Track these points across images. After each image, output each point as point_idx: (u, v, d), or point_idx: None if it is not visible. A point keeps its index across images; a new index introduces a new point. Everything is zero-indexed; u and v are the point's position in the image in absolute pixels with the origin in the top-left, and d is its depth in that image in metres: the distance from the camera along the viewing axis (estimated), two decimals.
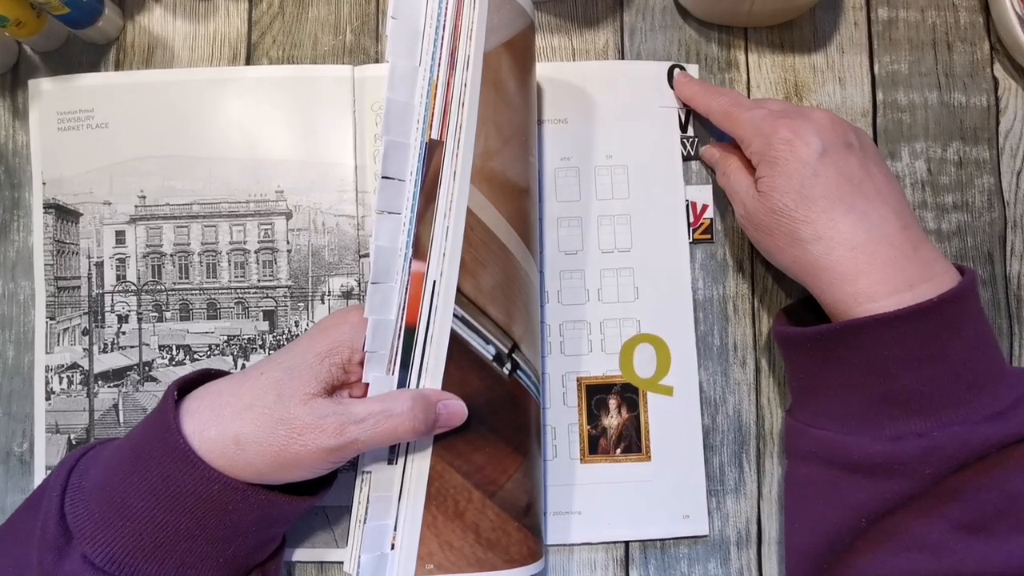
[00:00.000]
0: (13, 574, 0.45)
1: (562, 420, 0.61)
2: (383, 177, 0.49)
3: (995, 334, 0.51)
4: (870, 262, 0.50)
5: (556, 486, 0.60)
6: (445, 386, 0.49)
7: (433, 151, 0.50)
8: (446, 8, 0.50)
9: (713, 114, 0.60)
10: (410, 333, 0.49)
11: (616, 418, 0.61)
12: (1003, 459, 0.46)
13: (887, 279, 0.49)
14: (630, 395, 0.61)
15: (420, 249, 0.49)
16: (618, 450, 0.60)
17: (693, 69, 0.64)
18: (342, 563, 0.57)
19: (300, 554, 0.59)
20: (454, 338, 0.49)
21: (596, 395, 0.61)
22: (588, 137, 0.63)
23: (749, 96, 0.65)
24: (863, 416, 0.50)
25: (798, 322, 0.56)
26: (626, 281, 0.62)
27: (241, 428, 0.45)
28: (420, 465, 0.49)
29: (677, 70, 0.64)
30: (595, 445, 0.61)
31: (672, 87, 0.64)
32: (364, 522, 0.49)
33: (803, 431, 0.54)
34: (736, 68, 0.65)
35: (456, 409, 0.49)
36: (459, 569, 0.49)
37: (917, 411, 0.48)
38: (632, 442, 0.61)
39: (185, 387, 0.48)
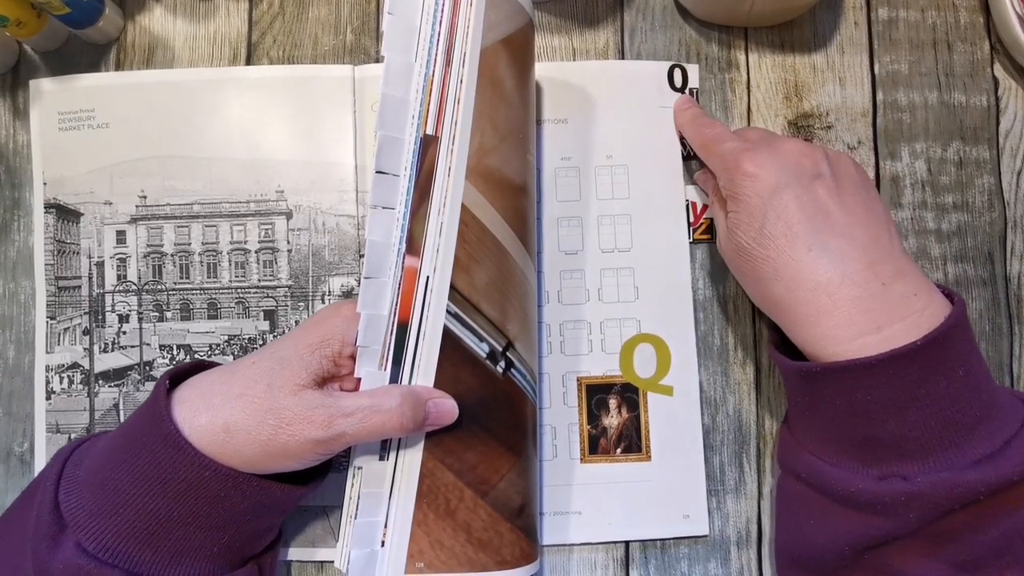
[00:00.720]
0: (9, 564, 0.45)
1: (562, 420, 0.61)
2: (377, 172, 0.49)
3: (986, 366, 0.49)
4: (832, 303, 0.48)
5: (556, 486, 0.60)
6: (437, 383, 0.49)
7: (428, 147, 0.50)
8: (443, 4, 0.50)
9: (695, 146, 0.59)
10: (403, 329, 0.49)
11: (616, 418, 0.61)
12: (997, 501, 0.44)
13: (851, 321, 0.47)
14: (630, 395, 0.61)
15: (414, 245, 0.49)
16: (618, 450, 0.60)
17: (693, 69, 0.64)
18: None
19: (299, 553, 0.59)
20: (447, 335, 0.49)
21: (596, 395, 0.61)
22: (588, 137, 0.63)
23: (749, 98, 0.65)
24: (850, 453, 0.48)
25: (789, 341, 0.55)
26: (626, 281, 0.62)
27: (230, 416, 0.45)
28: (411, 462, 0.49)
29: (677, 71, 0.64)
30: (595, 445, 0.60)
31: (672, 87, 0.64)
32: (355, 518, 0.49)
33: (796, 450, 0.53)
34: (736, 68, 0.65)
35: (447, 408, 0.49)
36: (450, 568, 0.48)
37: (902, 455, 0.46)
38: (632, 442, 0.60)
39: (178, 377, 0.48)
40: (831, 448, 0.50)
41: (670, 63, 0.64)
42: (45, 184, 0.62)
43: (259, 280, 0.62)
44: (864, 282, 0.47)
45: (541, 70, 0.63)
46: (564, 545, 0.60)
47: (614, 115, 0.64)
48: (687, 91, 0.64)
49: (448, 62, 0.50)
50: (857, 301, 0.47)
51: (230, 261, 0.62)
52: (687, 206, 0.63)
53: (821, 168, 0.51)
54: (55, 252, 0.62)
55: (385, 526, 0.49)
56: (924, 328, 0.46)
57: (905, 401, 0.45)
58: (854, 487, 0.47)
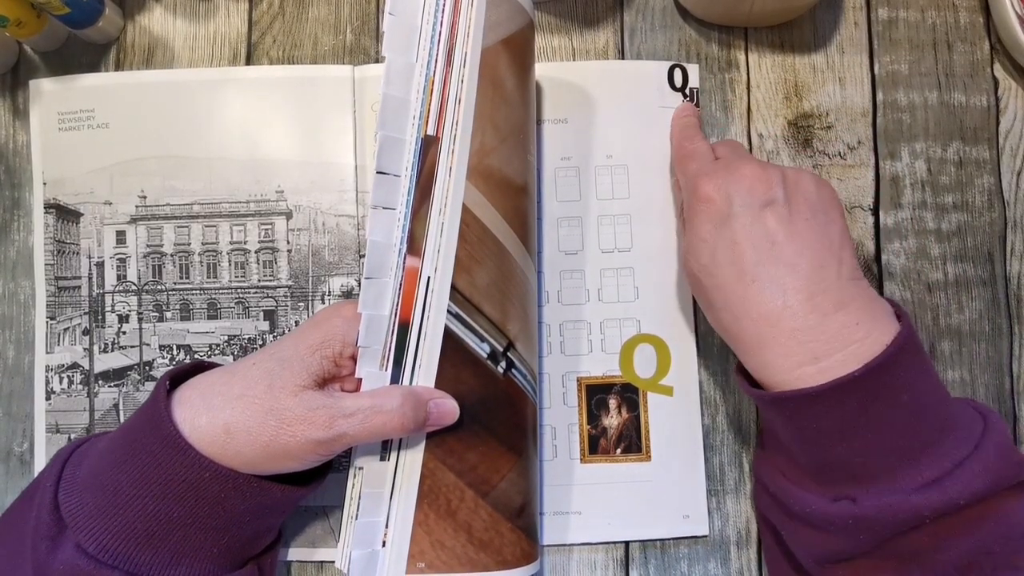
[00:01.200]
0: (9, 565, 0.45)
1: (562, 420, 0.61)
2: (378, 172, 0.49)
3: (939, 386, 0.48)
4: (772, 334, 0.48)
5: (556, 486, 0.60)
6: (438, 383, 0.49)
7: (428, 147, 0.50)
8: (443, 4, 0.50)
9: (674, 160, 0.59)
10: (404, 329, 0.49)
11: (616, 418, 0.61)
12: (954, 523, 0.44)
13: (789, 352, 0.47)
14: (630, 395, 0.61)
15: (415, 245, 0.49)
16: (618, 450, 0.60)
17: (693, 69, 0.64)
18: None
19: (300, 553, 0.59)
20: (448, 335, 0.49)
21: (596, 395, 0.61)
22: (588, 137, 0.63)
23: (749, 98, 0.65)
24: (807, 475, 0.49)
25: None
26: (626, 281, 0.62)
27: (231, 417, 0.45)
28: (412, 462, 0.49)
29: (678, 71, 0.64)
30: (595, 445, 0.60)
31: (672, 87, 0.64)
32: (356, 518, 0.48)
33: (767, 465, 0.54)
34: (736, 68, 0.65)
35: (447, 408, 0.49)
36: (450, 569, 0.48)
37: (851, 479, 0.46)
38: (632, 442, 0.60)
39: (178, 378, 0.48)
40: (793, 467, 0.50)
41: (670, 63, 0.64)
42: (45, 184, 0.62)
43: (259, 280, 0.62)
44: (804, 314, 0.47)
45: (541, 70, 0.63)
46: (564, 545, 0.60)
47: (614, 115, 0.64)
48: (687, 91, 0.64)
49: (449, 62, 0.50)
50: (795, 333, 0.47)
51: (230, 261, 0.62)
52: None
53: (775, 194, 0.50)
54: (55, 252, 0.62)
55: (386, 526, 0.49)
56: (864, 357, 0.45)
57: (849, 429, 0.46)
58: (809, 507, 0.48)
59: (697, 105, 0.64)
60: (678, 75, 0.64)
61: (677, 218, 0.61)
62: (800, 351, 0.47)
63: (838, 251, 0.50)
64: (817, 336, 0.47)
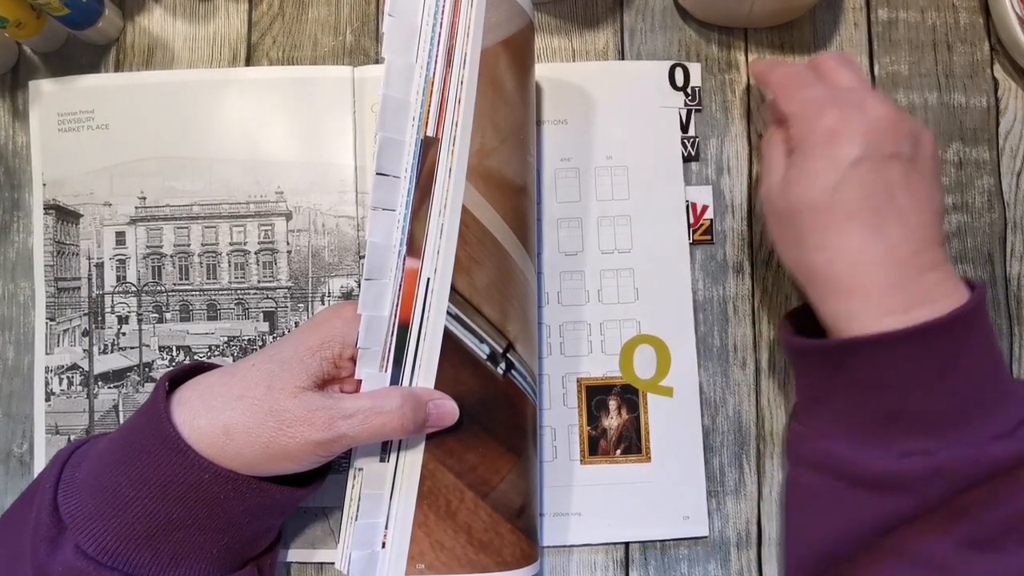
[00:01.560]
0: (8, 566, 0.45)
1: (562, 421, 0.61)
2: (378, 173, 0.49)
3: (1002, 353, 0.50)
4: (869, 282, 0.48)
5: (556, 487, 0.60)
6: (438, 384, 0.49)
7: (428, 148, 0.49)
8: (443, 6, 0.50)
9: (771, 86, 0.56)
10: (403, 330, 0.49)
11: (616, 419, 0.61)
12: (1012, 478, 0.45)
13: (881, 301, 0.47)
14: (630, 396, 0.61)
15: (414, 246, 0.49)
16: (618, 451, 0.60)
17: (695, 68, 0.64)
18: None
19: (299, 555, 0.59)
20: (447, 336, 0.49)
21: (596, 396, 0.61)
22: (588, 138, 0.63)
23: (749, 99, 0.64)
24: (870, 431, 0.49)
25: (803, 327, 0.55)
26: (626, 282, 0.62)
27: (231, 418, 0.45)
28: (412, 463, 0.49)
29: (679, 70, 0.64)
30: (595, 446, 0.60)
31: (673, 87, 0.64)
32: (355, 519, 0.48)
33: (809, 438, 0.53)
34: (736, 69, 0.65)
35: (447, 409, 0.49)
36: (450, 570, 0.48)
37: (924, 431, 0.47)
38: (632, 443, 0.60)
39: (177, 379, 0.48)
40: (849, 430, 0.50)
41: (671, 62, 0.64)
42: (44, 185, 0.62)
43: (259, 281, 0.62)
44: (906, 267, 0.48)
45: (541, 71, 0.63)
46: (564, 546, 0.60)
47: (614, 116, 0.64)
48: (689, 90, 0.64)
49: (449, 63, 0.50)
50: (893, 285, 0.47)
51: (230, 262, 0.62)
52: (687, 207, 0.63)
53: (903, 146, 0.49)
54: (54, 253, 0.62)
55: (386, 527, 0.49)
56: (949, 309, 0.46)
57: (931, 375, 0.46)
58: (875, 467, 0.48)
59: (699, 105, 0.64)
60: (679, 74, 0.64)
61: (774, 140, 0.55)
62: (892, 301, 0.47)
63: (940, 212, 0.51)
64: (912, 289, 0.47)
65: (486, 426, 0.50)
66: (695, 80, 0.64)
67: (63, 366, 0.61)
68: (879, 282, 0.48)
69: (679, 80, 0.64)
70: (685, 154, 0.63)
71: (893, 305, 0.47)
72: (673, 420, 0.61)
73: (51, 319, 0.62)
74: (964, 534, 0.46)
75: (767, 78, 0.57)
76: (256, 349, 0.61)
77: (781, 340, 0.57)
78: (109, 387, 0.61)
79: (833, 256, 0.49)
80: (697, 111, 0.64)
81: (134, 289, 0.62)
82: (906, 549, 0.47)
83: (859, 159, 0.48)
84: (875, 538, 0.48)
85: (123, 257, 0.62)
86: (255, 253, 0.62)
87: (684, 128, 0.64)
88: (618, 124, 0.64)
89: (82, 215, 0.62)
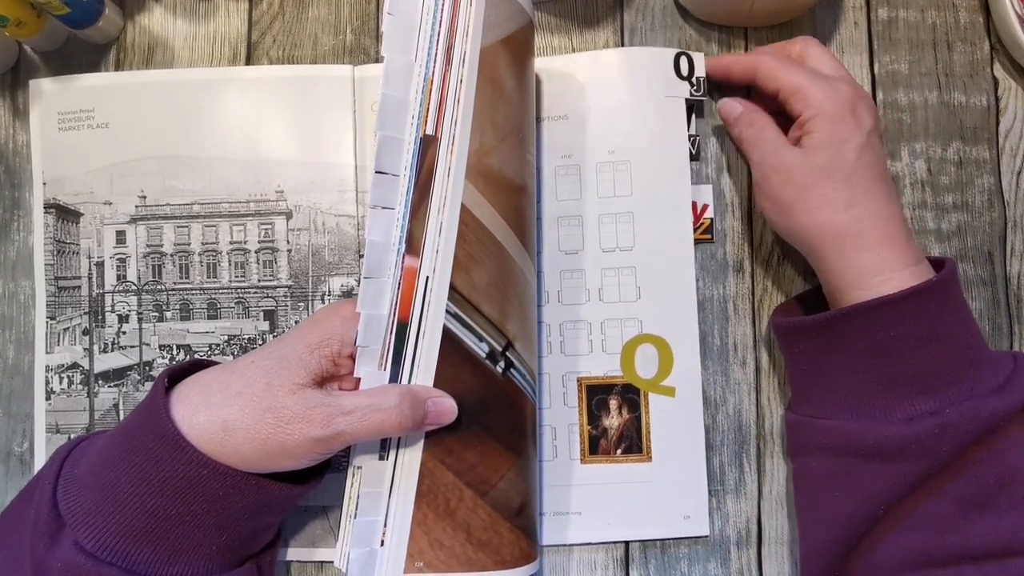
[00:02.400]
0: (8, 563, 0.45)
1: (562, 420, 0.61)
2: (377, 172, 0.49)
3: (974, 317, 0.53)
4: (894, 235, 0.52)
5: (556, 486, 0.60)
6: (437, 383, 0.49)
7: (427, 147, 0.50)
8: (443, 4, 0.50)
9: (762, 68, 0.58)
10: (402, 329, 0.49)
11: (617, 419, 0.61)
12: (1000, 433, 0.48)
13: (904, 253, 0.51)
14: (631, 396, 0.61)
15: (413, 245, 0.49)
16: (619, 451, 0.60)
17: (700, 57, 0.63)
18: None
19: (299, 553, 0.59)
20: (447, 335, 0.49)
21: (597, 395, 0.61)
22: (589, 132, 0.63)
23: (748, 96, 0.64)
24: (873, 400, 0.50)
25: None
26: (628, 280, 0.62)
27: (229, 415, 0.45)
28: (411, 461, 0.49)
29: (684, 59, 0.63)
30: (595, 445, 0.60)
31: (679, 76, 0.63)
32: (354, 517, 0.48)
33: (809, 424, 0.54)
34: None
35: (445, 407, 0.49)
36: (449, 568, 0.48)
37: (926, 390, 0.49)
38: (633, 443, 0.60)
39: (176, 375, 0.48)
40: (850, 404, 0.52)
41: (676, 50, 0.63)
42: (45, 184, 0.62)
43: (259, 280, 0.62)
44: (906, 227, 0.53)
45: (540, 64, 0.63)
46: (564, 545, 0.60)
47: (616, 108, 0.63)
48: (694, 79, 0.63)
49: (448, 62, 0.50)
50: (907, 239, 0.52)
51: (230, 261, 0.62)
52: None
53: (877, 121, 0.56)
54: (55, 252, 0.62)
55: (385, 525, 0.49)
56: (932, 270, 0.52)
57: (925, 335, 0.49)
58: (884, 434, 0.49)
59: (705, 94, 0.63)
60: (684, 63, 0.63)
61: (756, 133, 0.58)
62: (908, 255, 0.52)
63: None
64: (914, 246, 0.53)
65: (485, 425, 0.50)
66: (700, 70, 0.63)
67: (63, 365, 0.61)
68: (900, 236, 0.52)
69: (684, 70, 0.63)
70: (693, 151, 0.63)
71: (909, 258, 0.51)
72: (675, 420, 0.61)
73: (51, 318, 0.62)
74: (960, 492, 0.47)
75: (756, 66, 0.58)
76: (256, 348, 0.61)
77: (774, 327, 0.58)
78: (109, 386, 0.61)
79: (861, 214, 0.52)
80: (700, 103, 0.64)
81: (134, 288, 0.62)
82: (910, 512, 0.48)
83: (872, 127, 0.54)
84: (888, 510, 0.49)
85: (123, 256, 0.62)
86: (255, 252, 0.62)
87: (686, 123, 0.63)
88: (621, 116, 0.63)
89: (82, 214, 0.62)
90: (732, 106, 0.61)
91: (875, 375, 0.50)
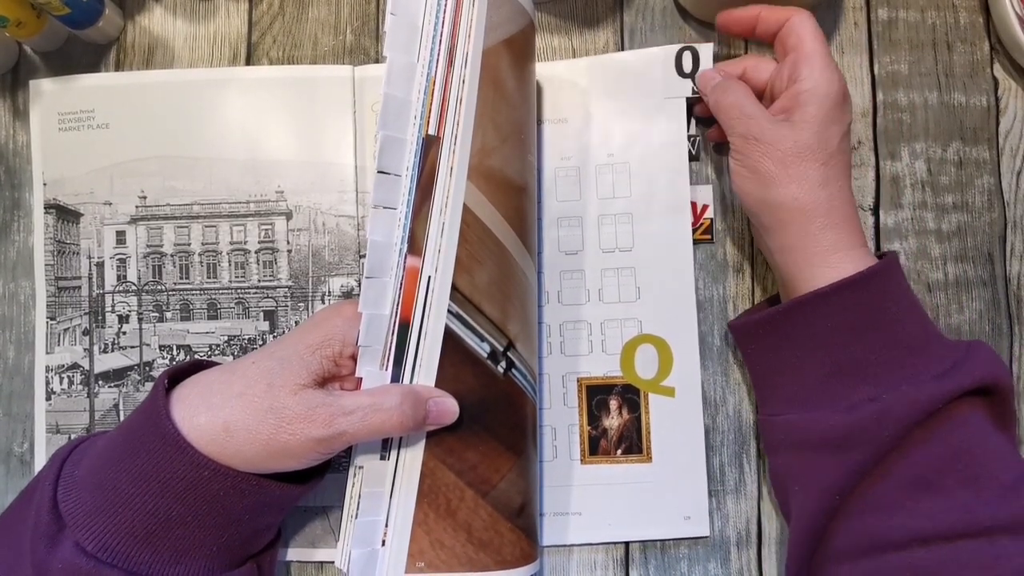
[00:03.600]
0: (8, 564, 0.45)
1: (562, 421, 0.61)
2: (379, 172, 0.49)
3: (924, 310, 0.53)
4: (851, 216, 0.53)
5: (556, 487, 0.60)
6: (439, 383, 0.49)
7: (429, 147, 0.50)
8: (445, 5, 0.50)
9: (794, 20, 0.56)
10: (404, 329, 0.49)
11: (617, 419, 0.61)
12: (944, 415, 0.48)
13: (858, 235, 0.53)
14: (631, 396, 0.61)
15: (415, 245, 0.49)
16: (619, 451, 0.60)
17: (706, 49, 0.62)
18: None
19: (299, 553, 0.59)
20: (448, 335, 0.49)
21: (597, 396, 0.61)
22: (589, 134, 0.63)
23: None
24: (819, 392, 0.52)
25: None
26: (627, 281, 0.62)
27: (231, 415, 0.45)
28: (412, 461, 0.49)
29: (687, 53, 0.62)
30: (595, 446, 0.60)
31: (681, 74, 0.62)
32: (355, 517, 0.48)
33: (770, 422, 0.56)
34: None
35: (447, 407, 0.49)
36: (450, 568, 0.48)
37: (866, 378, 0.50)
38: (633, 443, 0.60)
39: (176, 376, 0.48)
40: (800, 399, 0.53)
41: (679, 46, 0.62)
42: (45, 184, 0.62)
43: (259, 280, 0.62)
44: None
45: (541, 70, 0.63)
46: (564, 546, 0.60)
47: (616, 111, 0.63)
48: (697, 75, 0.62)
49: (450, 62, 0.50)
50: (860, 222, 0.55)
51: (230, 261, 0.62)
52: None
53: None
54: (55, 252, 0.62)
55: (386, 526, 0.49)
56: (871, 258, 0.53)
57: (863, 324, 0.51)
58: (830, 423, 0.50)
59: None
60: (687, 59, 0.62)
61: (734, 100, 0.56)
62: (861, 236, 0.54)
63: None
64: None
65: (486, 425, 0.50)
66: (706, 63, 0.62)
67: (64, 365, 0.61)
68: (856, 220, 0.54)
69: (687, 66, 0.62)
70: (692, 152, 0.63)
71: (860, 240, 0.53)
72: (675, 420, 0.61)
73: (52, 318, 0.62)
74: (905, 474, 0.48)
75: (787, 17, 0.57)
76: (256, 348, 0.61)
77: (730, 328, 0.60)
78: (109, 386, 0.61)
79: (832, 193, 0.53)
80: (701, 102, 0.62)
81: (134, 288, 0.62)
82: (861, 497, 0.49)
83: (850, 123, 0.55)
84: (844, 500, 0.50)
85: (123, 256, 0.62)
86: (255, 252, 0.62)
87: (686, 124, 0.63)
88: (621, 118, 0.63)
89: (82, 214, 0.62)
90: (711, 75, 0.60)
91: (819, 366, 0.52)
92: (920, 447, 0.48)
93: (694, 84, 0.62)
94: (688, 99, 0.63)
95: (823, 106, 0.53)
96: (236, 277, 0.62)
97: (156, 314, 0.62)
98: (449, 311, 0.49)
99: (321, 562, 0.59)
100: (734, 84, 0.57)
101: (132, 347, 0.62)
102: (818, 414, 0.51)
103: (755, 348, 0.57)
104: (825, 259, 0.52)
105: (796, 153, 0.52)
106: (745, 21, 0.59)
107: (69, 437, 0.60)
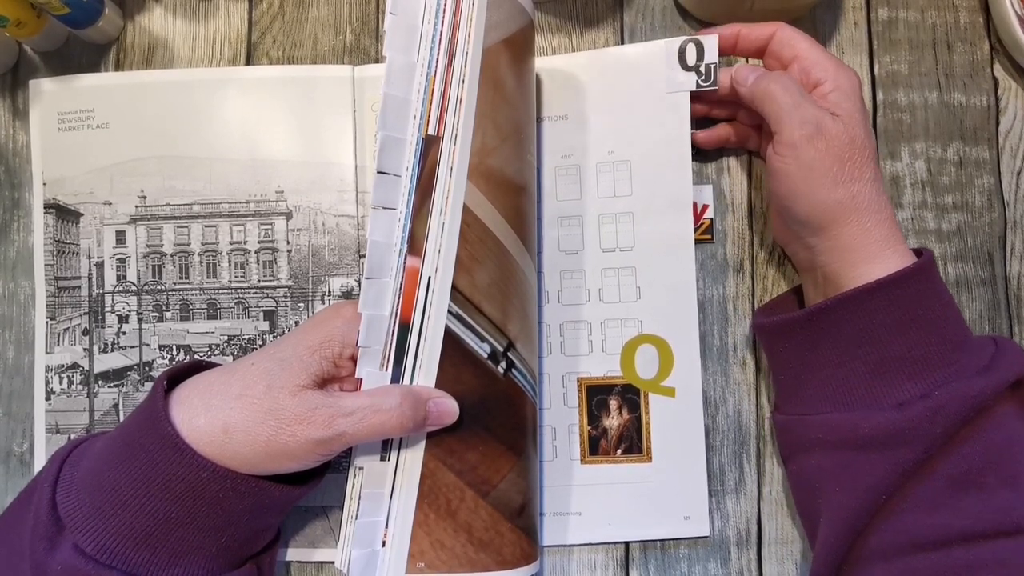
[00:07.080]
0: (7, 565, 0.45)
1: (562, 421, 0.61)
2: (379, 172, 0.49)
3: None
4: (892, 210, 0.53)
5: (556, 487, 0.60)
6: (439, 383, 0.49)
7: (429, 147, 0.49)
8: (444, 5, 0.50)
9: (781, 33, 0.57)
10: (404, 329, 0.49)
11: (617, 419, 0.61)
12: (986, 413, 0.48)
13: (898, 228, 0.53)
14: (631, 396, 0.61)
15: (415, 245, 0.49)
16: (619, 451, 0.60)
17: (711, 41, 0.60)
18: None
19: (299, 553, 0.59)
20: (448, 335, 0.49)
21: (597, 396, 0.61)
22: (589, 132, 0.63)
23: None
24: (863, 389, 0.51)
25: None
26: (628, 280, 0.62)
27: (230, 417, 0.45)
28: (412, 462, 0.49)
29: (691, 46, 0.60)
30: (595, 446, 0.60)
31: (684, 67, 0.61)
32: (356, 518, 0.48)
33: (800, 422, 0.55)
34: None
35: (447, 408, 0.48)
36: (450, 569, 0.48)
37: (914, 374, 0.50)
38: (633, 443, 0.60)
39: (176, 377, 0.48)
40: (840, 397, 0.52)
41: (682, 38, 0.61)
42: (45, 184, 0.62)
43: (259, 280, 0.62)
44: None
45: (540, 63, 0.63)
46: (564, 546, 0.60)
47: (617, 106, 0.62)
48: (703, 67, 0.60)
49: (450, 62, 0.50)
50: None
51: (230, 261, 0.62)
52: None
53: None
54: (55, 252, 0.62)
55: (386, 526, 0.49)
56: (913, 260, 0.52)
57: (908, 320, 0.50)
58: (878, 421, 0.49)
59: (715, 83, 0.60)
60: (691, 52, 0.61)
61: (784, 89, 0.54)
62: (900, 229, 0.54)
63: None
64: None
65: (487, 425, 0.50)
66: (711, 56, 0.60)
67: (63, 365, 0.61)
68: (893, 212, 0.54)
69: (691, 59, 0.61)
70: (695, 151, 0.63)
71: (901, 234, 0.53)
72: (675, 420, 0.61)
73: (51, 318, 0.62)
74: (948, 472, 0.48)
75: (773, 31, 0.58)
76: (256, 348, 0.61)
77: (757, 329, 0.59)
78: (109, 386, 0.61)
79: (881, 188, 0.53)
80: (712, 91, 0.61)
81: (134, 288, 0.62)
82: (905, 496, 0.49)
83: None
84: (889, 499, 0.49)
85: (123, 256, 0.62)
86: (255, 252, 0.62)
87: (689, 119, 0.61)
88: (621, 114, 0.62)
89: (82, 214, 0.62)
90: (750, 67, 0.58)
91: (863, 364, 0.51)
92: (964, 445, 0.48)
93: (698, 77, 0.61)
94: (693, 92, 0.61)
95: (855, 100, 0.54)
96: (236, 277, 0.62)
97: (156, 314, 0.62)
98: (449, 311, 0.49)
99: (321, 562, 0.59)
100: (785, 75, 0.55)
101: (132, 347, 0.62)
102: (865, 412, 0.50)
103: (787, 347, 0.56)
104: (876, 255, 0.52)
105: (851, 150, 0.52)
106: (724, 39, 0.59)
107: (69, 437, 0.60)
